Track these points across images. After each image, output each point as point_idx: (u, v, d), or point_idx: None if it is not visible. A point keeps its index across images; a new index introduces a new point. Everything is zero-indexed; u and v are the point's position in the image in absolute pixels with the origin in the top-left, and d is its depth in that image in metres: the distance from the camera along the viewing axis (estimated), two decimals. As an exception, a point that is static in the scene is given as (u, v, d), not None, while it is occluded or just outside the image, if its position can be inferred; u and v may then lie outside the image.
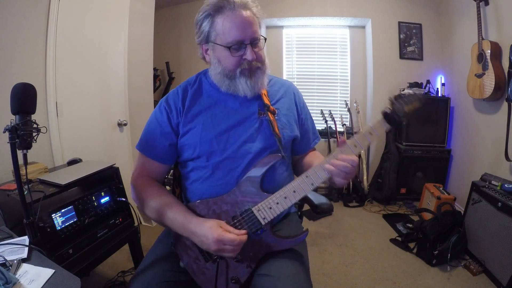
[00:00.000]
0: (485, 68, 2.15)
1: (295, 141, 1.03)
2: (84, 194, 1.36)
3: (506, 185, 1.76)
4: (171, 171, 1.09)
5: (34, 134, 0.82)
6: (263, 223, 0.85)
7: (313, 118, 1.13)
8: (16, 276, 0.74)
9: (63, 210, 1.24)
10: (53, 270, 0.76)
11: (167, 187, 1.09)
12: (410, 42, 3.07)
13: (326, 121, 3.27)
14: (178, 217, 0.85)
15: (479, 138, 2.44)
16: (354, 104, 3.25)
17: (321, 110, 3.32)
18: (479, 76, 2.20)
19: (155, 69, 3.43)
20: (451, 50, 2.86)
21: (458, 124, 2.78)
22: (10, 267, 0.76)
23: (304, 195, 0.85)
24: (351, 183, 3.04)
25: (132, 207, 1.53)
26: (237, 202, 0.87)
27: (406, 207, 2.85)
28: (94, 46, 2.10)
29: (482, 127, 2.42)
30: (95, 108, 2.17)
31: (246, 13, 0.85)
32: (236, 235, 0.80)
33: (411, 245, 2.13)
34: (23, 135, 0.79)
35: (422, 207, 2.54)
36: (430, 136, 2.79)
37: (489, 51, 2.11)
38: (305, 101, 1.10)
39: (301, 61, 3.46)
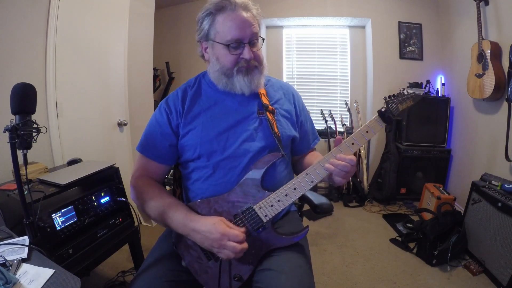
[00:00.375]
0: (485, 68, 2.15)
1: (295, 142, 1.04)
2: (84, 194, 1.36)
3: (506, 185, 1.76)
4: (171, 171, 1.09)
5: (34, 134, 0.81)
6: (264, 220, 0.86)
7: (313, 118, 1.15)
8: (16, 276, 0.74)
9: (63, 210, 1.24)
10: (53, 270, 0.76)
11: (167, 187, 1.10)
12: (410, 42, 3.07)
13: (326, 121, 3.27)
14: (179, 216, 0.86)
15: (479, 138, 2.44)
16: (354, 104, 3.25)
17: (321, 110, 3.32)
18: (479, 76, 2.20)
19: (155, 69, 3.43)
20: (451, 50, 2.86)
21: (458, 124, 2.78)
22: (10, 267, 0.76)
23: (304, 192, 0.86)
24: (351, 183, 3.04)
25: (132, 207, 1.53)
26: (238, 201, 0.88)
27: (406, 207, 2.85)
28: (94, 46, 2.10)
29: (482, 127, 2.41)
30: (95, 108, 2.17)
31: (246, 14, 0.88)
32: (240, 232, 0.81)
33: (411, 245, 2.13)
34: (23, 135, 0.79)
35: (422, 207, 2.53)
36: (430, 136, 2.78)
37: (489, 51, 2.11)
38: (305, 101, 1.11)
39: (301, 61, 3.46)
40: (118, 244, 1.47)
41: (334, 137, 3.20)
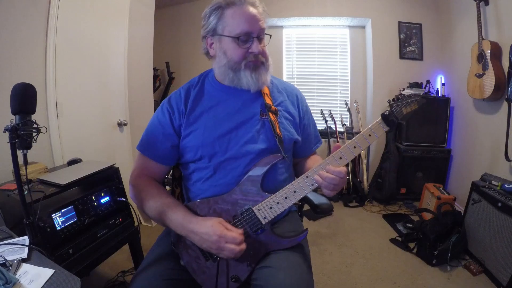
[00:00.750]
0: (485, 68, 2.15)
1: (297, 145, 1.04)
2: (84, 194, 1.36)
3: (506, 185, 1.76)
4: (171, 171, 1.09)
5: (34, 134, 0.81)
6: (263, 222, 0.86)
7: (314, 118, 1.13)
8: (16, 276, 0.73)
9: (63, 210, 1.24)
10: (53, 270, 0.76)
11: (167, 187, 1.10)
12: (410, 42, 3.08)
13: (326, 121, 3.27)
14: (178, 217, 0.86)
15: (479, 138, 2.44)
16: (354, 104, 3.25)
17: (321, 110, 3.33)
18: (479, 76, 2.20)
19: (155, 69, 3.43)
20: (451, 50, 2.86)
21: (458, 124, 2.78)
22: (10, 267, 0.76)
23: (304, 195, 0.85)
24: (351, 183, 3.04)
25: (132, 207, 1.53)
26: (237, 202, 0.88)
27: (406, 207, 2.85)
28: (94, 46, 2.10)
29: (482, 127, 2.41)
30: (95, 108, 2.17)
31: (254, 10, 0.89)
32: (237, 234, 0.80)
33: (411, 245, 2.13)
34: (23, 135, 0.79)
35: (422, 207, 2.54)
36: (430, 136, 2.79)
37: (489, 51, 2.11)
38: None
39: (301, 61, 3.46)
40: (118, 244, 1.47)
41: (334, 137, 3.21)
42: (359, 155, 3.11)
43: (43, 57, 1.83)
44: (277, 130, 0.93)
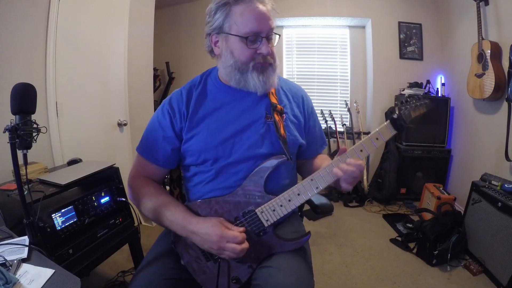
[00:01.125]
0: (485, 68, 2.15)
1: (302, 148, 1.01)
2: (84, 194, 1.36)
3: (506, 185, 1.76)
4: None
5: (34, 134, 0.81)
6: (266, 225, 0.84)
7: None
8: (16, 276, 0.73)
9: (63, 210, 1.24)
10: (53, 270, 0.76)
11: (167, 187, 1.09)
12: (410, 42, 3.08)
13: (326, 121, 3.27)
14: (177, 218, 0.85)
15: (479, 138, 2.44)
16: (354, 104, 3.25)
17: (321, 110, 3.32)
18: (479, 76, 2.20)
19: (155, 69, 3.43)
20: (451, 50, 2.86)
21: (458, 124, 2.78)
22: (10, 267, 0.76)
23: (308, 198, 0.84)
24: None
25: (132, 207, 1.53)
26: (240, 203, 0.86)
27: (406, 207, 2.85)
28: (94, 46, 2.10)
29: (482, 127, 2.41)
30: (95, 108, 2.17)
31: (264, 7, 0.84)
32: (238, 233, 0.80)
33: (411, 245, 2.13)
34: (23, 135, 0.78)
35: (422, 207, 2.54)
36: (430, 136, 2.79)
37: (489, 51, 2.11)
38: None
39: (301, 61, 3.46)
40: (118, 244, 1.47)
41: (334, 137, 3.21)
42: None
43: (43, 57, 1.84)
44: (282, 132, 0.90)
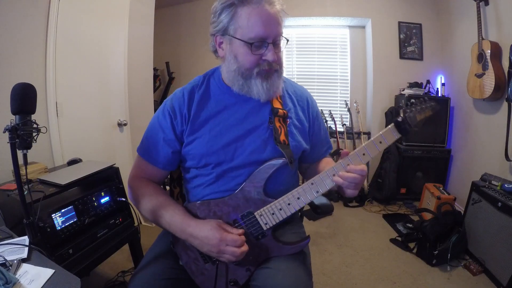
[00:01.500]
0: (485, 68, 2.15)
1: (305, 152, 0.98)
2: (84, 194, 1.36)
3: (506, 185, 1.76)
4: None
5: (34, 134, 0.81)
6: (264, 228, 0.84)
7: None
8: (16, 276, 0.73)
9: (63, 210, 1.24)
10: (53, 270, 0.76)
11: (167, 187, 1.09)
12: (410, 42, 3.08)
13: (326, 121, 3.27)
14: (176, 220, 0.84)
15: (479, 138, 2.44)
16: (354, 104, 3.25)
17: (321, 110, 3.32)
18: (479, 76, 2.20)
19: (155, 69, 3.43)
20: (451, 50, 2.86)
21: (458, 124, 2.78)
22: (10, 267, 0.76)
23: (308, 202, 0.82)
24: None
25: (132, 207, 1.53)
26: (239, 206, 0.85)
27: (406, 207, 2.85)
28: (94, 46, 2.10)
29: (482, 127, 2.41)
30: (95, 108, 2.17)
31: (272, 9, 0.79)
32: (238, 236, 0.79)
33: (411, 245, 2.13)
34: (23, 135, 0.78)
35: (422, 207, 2.54)
36: (430, 136, 2.79)
37: (489, 51, 2.11)
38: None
39: (301, 61, 3.46)
40: (118, 244, 1.47)
41: (334, 137, 3.21)
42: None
43: (43, 57, 1.83)
44: (282, 137, 0.88)
